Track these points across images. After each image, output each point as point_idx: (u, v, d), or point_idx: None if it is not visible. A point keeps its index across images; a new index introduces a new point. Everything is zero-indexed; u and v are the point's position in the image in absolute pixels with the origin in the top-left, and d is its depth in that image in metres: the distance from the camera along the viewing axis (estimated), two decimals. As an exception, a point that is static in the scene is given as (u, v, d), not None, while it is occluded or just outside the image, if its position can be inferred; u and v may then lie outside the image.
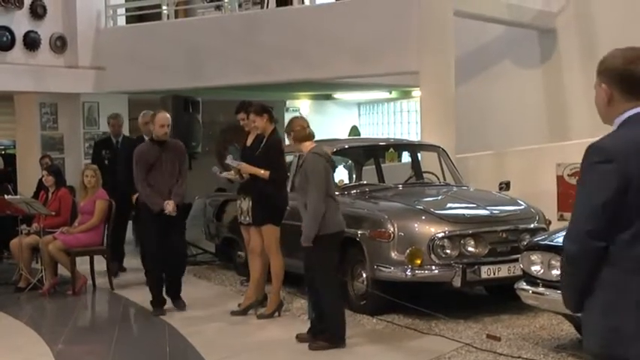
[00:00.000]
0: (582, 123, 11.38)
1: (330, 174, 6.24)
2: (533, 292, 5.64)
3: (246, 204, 7.28)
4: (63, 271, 8.73)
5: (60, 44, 12.29)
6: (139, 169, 7.49)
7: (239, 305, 7.42)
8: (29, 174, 11.90)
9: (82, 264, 8.71)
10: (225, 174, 7.61)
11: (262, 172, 6.95)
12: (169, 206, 7.37)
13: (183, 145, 7.90)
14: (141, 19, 13.34)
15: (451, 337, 6.29)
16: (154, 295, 7.61)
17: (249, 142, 7.44)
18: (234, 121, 7.77)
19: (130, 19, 13.38)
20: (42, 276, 8.57)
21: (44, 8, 12.13)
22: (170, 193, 7.45)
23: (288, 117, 15.18)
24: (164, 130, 7.50)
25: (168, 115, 7.65)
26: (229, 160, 7.34)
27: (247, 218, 7.28)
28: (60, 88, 12.19)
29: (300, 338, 6.27)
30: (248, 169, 7.05)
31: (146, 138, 8.14)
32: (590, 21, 11.62)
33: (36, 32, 12.01)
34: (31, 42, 11.93)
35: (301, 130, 6.29)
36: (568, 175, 8.61)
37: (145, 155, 7.52)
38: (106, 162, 9.73)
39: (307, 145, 6.27)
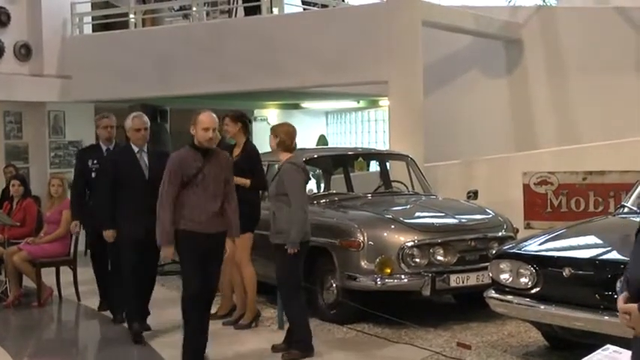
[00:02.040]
0: (548, 132, 11.57)
1: (304, 184, 6.24)
2: (502, 300, 5.67)
3: None
4: (28, 282, 8.60)
5: (25, 52, 12.17)
6: (171, 183, 5.72)
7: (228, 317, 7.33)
8: (-8, 183, 11.73)
9: (48, 275, 8.58)
10: None
11: (244, 180, 6.90)
12: (228, 246, 5.91)
13: (229, 156, 6.26)
14: (107, 27, 13.24)
15: (421, 346, 6.30)
16: (194, 350, 5.90)
17: None
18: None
19: (96, 28, 13.27)
20: (6, 287, 8.42)
21: (8, 16, 12.00)
22: (212, 220, 5.78)
23: (255, 126, 15.21)
24: (208, 134, 5.75)
25: (214, 116, 5.91)
26: None
27: None
28: (25, 97, 12.06)
29: (275, 348, 6.23)
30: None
31: (135, 147, 6.81)
32: (555, 32, 11.80)
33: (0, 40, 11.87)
34: (-5, 50, 11.80)
35: (287, 140, 6.25)
36: (534, 183, 8.68)
37: (184, 165, 5.75)
38: (93, 174, 7.68)
39: (285, 155, 6.26)
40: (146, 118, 7.02)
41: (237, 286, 7.27)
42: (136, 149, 6.88)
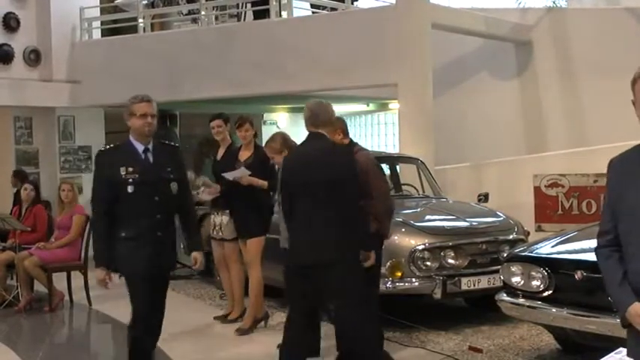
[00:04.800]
0: (558, 134, 11.53)
1: None
2: (513, 304, 5.64)
3: (219, 219, 7.28)
4: (39, 287, 8.62)
5: (34, 57, 12.20)
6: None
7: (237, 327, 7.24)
8: (3, 189, 11.76)
9: (59, 280, 8.60)
10: (203, 195, 7.40)
11: (261, 182, 6.88)
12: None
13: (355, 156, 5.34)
14: (116, 32, 13.27)
15: (432, 349, 6.29)
16: None
17: (219, 155, 7.42)
18: (211, 134, 7.72)
19: (105, 32, 13.30)
20: (18, 292, 8.45)
21: (17, 21, 12.04)
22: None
23: (265, 130, 15.21)
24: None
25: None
26: (228, 175, 7.04)
27: (220, 233, 7.31)
28: (35, 102, 12.09)
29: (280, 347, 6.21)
30: (250, 180, 6.96)
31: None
32: (566, 34, 11.76)
33: (9, 45, 11.91)
34: (4, 55, 11.83)
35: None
36: (545, 186, 8.64)
37: None
38: (130, 189, 4.97)
39: None
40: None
41: (256, 289, 7.27)
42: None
